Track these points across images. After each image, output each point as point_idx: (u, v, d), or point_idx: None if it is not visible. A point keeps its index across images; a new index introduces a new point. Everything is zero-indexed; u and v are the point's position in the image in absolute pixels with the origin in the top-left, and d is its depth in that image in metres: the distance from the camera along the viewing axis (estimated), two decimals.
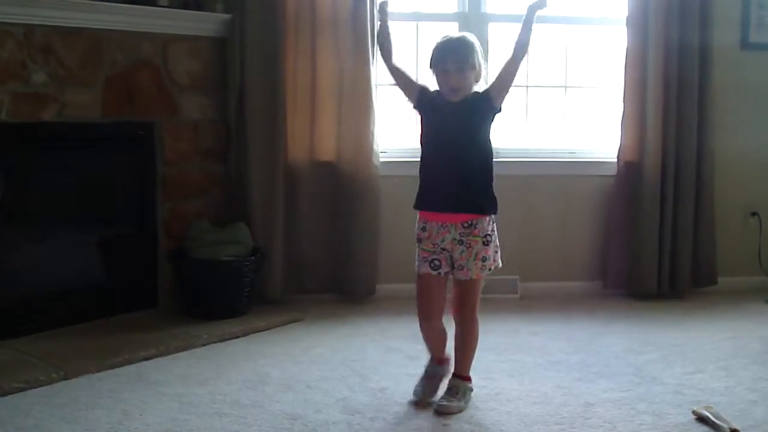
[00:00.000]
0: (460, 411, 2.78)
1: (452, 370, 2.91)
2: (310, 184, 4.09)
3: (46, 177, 3.59)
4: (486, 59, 2.82)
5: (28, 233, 3.56)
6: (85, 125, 3.59)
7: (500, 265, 2.88)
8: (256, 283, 3.93)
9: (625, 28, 4.17)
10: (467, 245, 2.77)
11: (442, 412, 2.76)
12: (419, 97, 2.83)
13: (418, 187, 2.84)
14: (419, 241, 2.82)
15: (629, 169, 4.24)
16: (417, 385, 2.91)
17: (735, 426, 2.61)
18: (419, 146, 2.84)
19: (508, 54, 2.79)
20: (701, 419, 2.70)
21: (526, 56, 2.80)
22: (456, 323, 2.89)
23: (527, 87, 4.38)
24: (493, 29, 4.25)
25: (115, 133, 3.72)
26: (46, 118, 3.43)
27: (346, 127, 4.05)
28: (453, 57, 2.72)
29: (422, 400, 2.85)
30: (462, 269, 2.80)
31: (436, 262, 2.80)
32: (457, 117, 2.75)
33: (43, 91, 3.42)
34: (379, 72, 4.08)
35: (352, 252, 4.08)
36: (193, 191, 4.01)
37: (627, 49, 4.18)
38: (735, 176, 4.37)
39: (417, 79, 2.88)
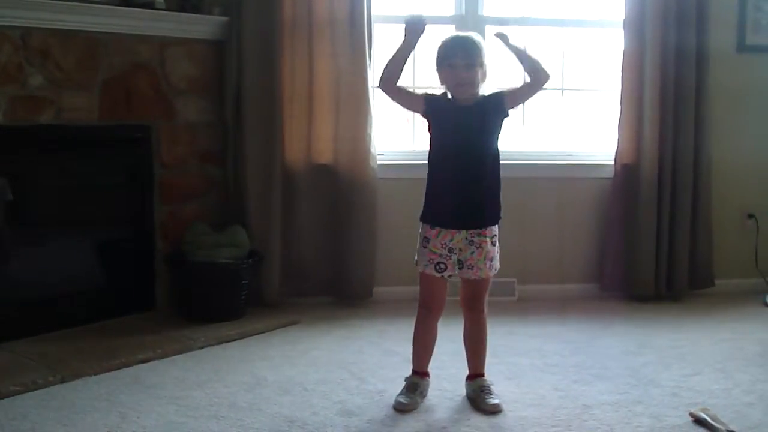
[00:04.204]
0: None
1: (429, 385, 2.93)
2: (308, 186, 4.09)
3: (42, 180, 3.58)
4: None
5: (25, 236, 3.56)
6: (82, 128, 3.59)
7: (498, 266, 2.90)
8: (254, 286, 3.93)
9: (622, 31, 4.17)
10: (478, 245, 2.78)
11: (497, 412, 2.78)
12: (426, 103, 2.79)
13: (425, 195, 2.82)
14: (426, 240, 2.81)
15: (626, 171, 4.24)
16: (400, 397, 2.85)
17: (732, 428, 2.62)
18: (428, 156, 2.81)
19: (528, 78, 2.79)
20: (698, 421, 2.70)
21: (547, 78, 2.76)
22: (466, 320, 2.92)
23: None
24: (491, 32, 4.22)
25: (112, 136, 3.72)
26: (42, 121, 3.43)
27: (344, 130, 4.04)
28: (462, 52, 2.72)
29: (406, 408, 2.81)
30: (472, 268, 2.81)
31: (442, 266, 2.80)
32: (471, 119, 2.73)
33: (40, 94, 3.41)
34: (376, 74, 4.08)
35: (349, 254, 4.08)
36: (190, 194, 4.00)
37: (624, 51, 4.18)
38: (732, 178, 4.38)
39: (414, 89, 2.85)
